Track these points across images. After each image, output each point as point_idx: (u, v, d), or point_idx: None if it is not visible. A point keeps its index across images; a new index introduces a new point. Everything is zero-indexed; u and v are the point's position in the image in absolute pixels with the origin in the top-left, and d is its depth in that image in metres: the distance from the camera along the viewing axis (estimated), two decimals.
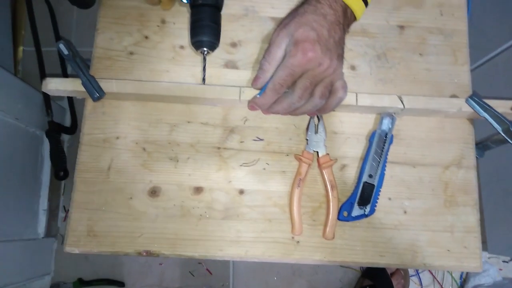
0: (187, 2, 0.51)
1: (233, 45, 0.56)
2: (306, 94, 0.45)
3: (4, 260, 0.87)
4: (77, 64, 0.49)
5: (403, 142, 0.54)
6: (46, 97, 1.02)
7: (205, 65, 0.51)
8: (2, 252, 0.86)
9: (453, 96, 0.55)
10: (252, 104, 0.49)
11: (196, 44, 0.50)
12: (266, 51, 0.47)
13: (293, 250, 0.50)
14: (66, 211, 1.13)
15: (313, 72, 0.44)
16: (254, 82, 0.49)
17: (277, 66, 0.46)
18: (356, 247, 0.51)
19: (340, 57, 0.47)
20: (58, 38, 1.17)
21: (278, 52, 0.45)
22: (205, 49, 0.50)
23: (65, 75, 1.14)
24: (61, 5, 1.23)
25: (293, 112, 0.49)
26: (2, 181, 0.88)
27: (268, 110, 0.49)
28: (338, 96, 0.47)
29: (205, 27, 0.49)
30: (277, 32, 0.46)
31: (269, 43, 0.47)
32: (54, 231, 1.12)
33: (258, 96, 0.47)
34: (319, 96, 0.45)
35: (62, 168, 1.01)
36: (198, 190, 0.51)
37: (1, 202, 0.87)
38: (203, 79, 0.52)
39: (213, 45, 0.51)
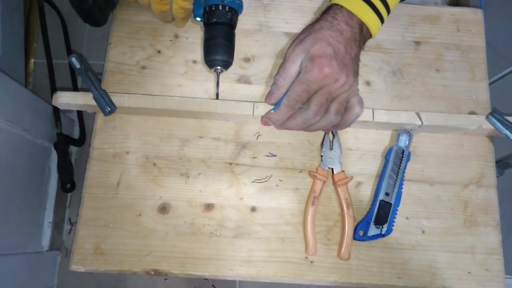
0: (201, 20, 0.50)
1: (246, 60, 0.55)
2: (322, 110, 0.44)
3: (6, 274, 0.85)
4: (88, 78, 0.49)
5: (419, 159, 0.52)
6: (56, 109, 1.02)
7: (218, 82, 0.51)
8: (5, 267, 0.84)
9: (472, 112, 0.54)
10: (266, 120, 0.48)
11: (210, 63, 0.50)
12: (281, 67, 0.46)
13: (307, 271, 0.48)
14: (72, 223, 1.12)
15: (329, 88, 0.43)
16: (268, 97, 0.48)
17: (292, 81, 0.45)
18: (373, 268, 0.49)
19: (356, 73, 0.46)
20: (69, 51, 1.18)
21: (293, 68, 0.45)
22: (219, 68, 0.50)
23: (75, 88, 1.15)
24: (73, 18, 1.25)
25: (307, 128, 0.47)
26: (8, 192, 0.87)
27: (282, 125, 0.48)
28: (355, 112, 0.45)
29: (219, 46, 0.48)
30: (292, 48, 0.45)
31: (284, 58, 0.46)
32: (58, 244, 1.10)
33: (272, 111, 0.46)
34: (335, 113, 0.44)
35: (69, 181, 1.01)
36: (209, 207, 0.50)
37: (6, 214, 0.86)
38: (217, 96, 0.51)
39: (227, 64, 0.50)
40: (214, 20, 0.49)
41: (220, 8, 0.48)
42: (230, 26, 0.50)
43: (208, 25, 0.50)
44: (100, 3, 0.49)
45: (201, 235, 0.49)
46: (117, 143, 0.52)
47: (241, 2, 0.51)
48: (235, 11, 0.50)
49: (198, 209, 0.50)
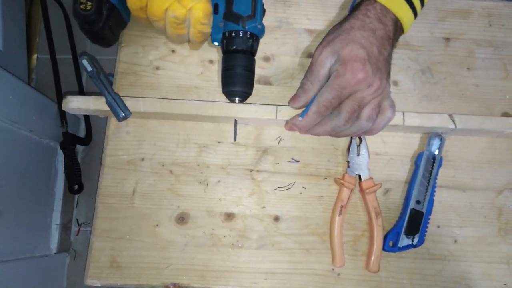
0: (219, 45, 0.47)
1: (266, 59, 0.52)
2: (353, 117, 0.41)
3: (16, 280, 0.83)
4: (101, 81, 0.46)
5: (451, 164, 0.49)
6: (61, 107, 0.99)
7: (235, 127, 0.48)
8: (13, 272, 0.82)
9: (505, 113, 0.51)
10: (291, 126, 0.45)
11: (228, 93, 0.47)
12: (308, 70, 0.43)
13: (334, 284, 0.46)
14: (79, 224, 1.10)
15: (362, 94, 0.40)
16: (293, 101, 0.45)
17: (320, 86, 0.42)
18: (403, 280, 0.46)
19: (389, 75, 0.43)
20: (73, 45, 1.14)
21: (321, 72, 0.41)
22: (237, 99, 0.47)
23: (80, 85, 1.11)
24: None
25: (335, 134, 0.45)
26: (16, 196, 0.85)
27: (308, 131, 0.45)
28: (387, 116, 0.42)
29: (238, 76, 0.45)
30: (320, 50, 0.42)
31: (311, 61, 0.43)
32: (66, 245, 1.08)
33: (300, 118, 0.43)
34: (366, 119, 0.41)
35: (76, 182, 0.98)
36: (229, 216, 0.47)
37: (14, 218, 0.84)
38: (234, 137, 0.49)
39: (246, 95, 0.47)
40: (234, 47, 0.45)
41: (241, 34, 0.45)
42: (251, 54, 0.47)
43: (227, 53, 0.46)
44: (111, 25, 0.45)
45: (222, 246, 0.47)
46: (131, 149, 0.49)
47: (263, 27, 0.47)
48: (256, 37, 0.46)
49: (218, 219, 0.47)
